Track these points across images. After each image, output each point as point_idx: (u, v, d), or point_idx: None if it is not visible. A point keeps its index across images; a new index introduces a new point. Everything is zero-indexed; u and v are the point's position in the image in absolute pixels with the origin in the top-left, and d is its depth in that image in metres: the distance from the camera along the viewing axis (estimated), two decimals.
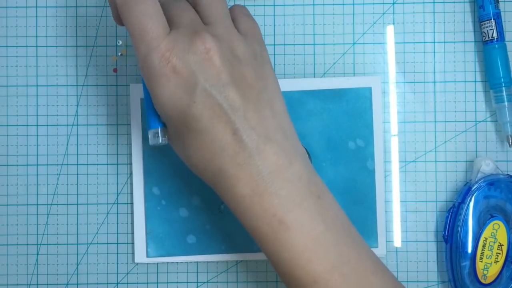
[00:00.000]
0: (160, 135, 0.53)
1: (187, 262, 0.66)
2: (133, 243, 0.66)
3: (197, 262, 0.66)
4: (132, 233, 0.66)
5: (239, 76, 0.51)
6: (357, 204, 0.64)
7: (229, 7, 0.55)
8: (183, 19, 0.52)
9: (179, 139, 0.52)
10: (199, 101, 0.50)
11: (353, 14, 0.66)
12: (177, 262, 0.66)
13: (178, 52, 0.50)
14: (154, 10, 0.50)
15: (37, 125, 0.66)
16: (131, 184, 0.65)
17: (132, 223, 0.66)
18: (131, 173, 0.66)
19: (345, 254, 0.51)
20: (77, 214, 0.66)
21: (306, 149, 0.64)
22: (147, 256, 0.65)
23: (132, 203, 0.66)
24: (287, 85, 0.64)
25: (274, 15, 0.66)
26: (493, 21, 0.64)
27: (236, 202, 0.51)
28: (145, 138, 0.65)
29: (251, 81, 0.51)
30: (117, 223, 0.66)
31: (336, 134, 0.65)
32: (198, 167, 0.52)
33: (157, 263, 0.66)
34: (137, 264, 0.66)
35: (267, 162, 0.50)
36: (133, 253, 0.66)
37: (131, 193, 0.66)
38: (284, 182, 0.51)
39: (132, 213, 0.66)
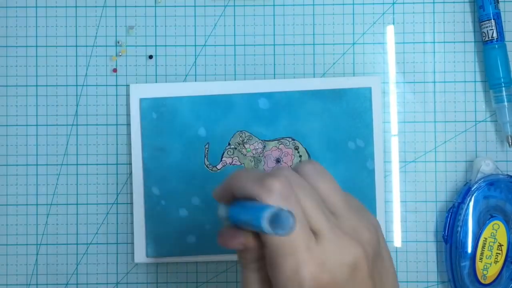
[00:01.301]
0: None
1: (186, 262, 0.66)
2: (132, 243, 0.66)
3: (196, 262, 0.66)
4: (132, 233, 0.66)
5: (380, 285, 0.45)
6: None
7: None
8: (321, 219, 0.43)
9: None
10: None
11: (353, 14, 0.66)
12: (176, 262, 0.66)
13: (330, 265, 0.42)
14: (301, 216, 0.42)
15: (37, 125, 0.66)
16: (131, 184, 0.65)
17: (132, 223, 0.66)
18: (130, 173, 0.66)
19: None
20: (77, 214, 0.66)
21: (306, 150, 0.65)
22: (147, 256, 0.65)
23: (131, 203, 0.66)
24: (287, 85, 0.64)
25: (274, 15, 0.66)
26: (493, 21, 0.64)
27: None
28: (145, 138, 0.65)
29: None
30: (117, 223, 0.66)
31: (336, 134, 0.65)
32: None
33: (157, 263, 0.66)
34: (136, 264, 0.66)
35: None
36: (132, 253, 0.66)
37: (131, 193, 0.65)
38: None
39: (131, 213, 0.66)
